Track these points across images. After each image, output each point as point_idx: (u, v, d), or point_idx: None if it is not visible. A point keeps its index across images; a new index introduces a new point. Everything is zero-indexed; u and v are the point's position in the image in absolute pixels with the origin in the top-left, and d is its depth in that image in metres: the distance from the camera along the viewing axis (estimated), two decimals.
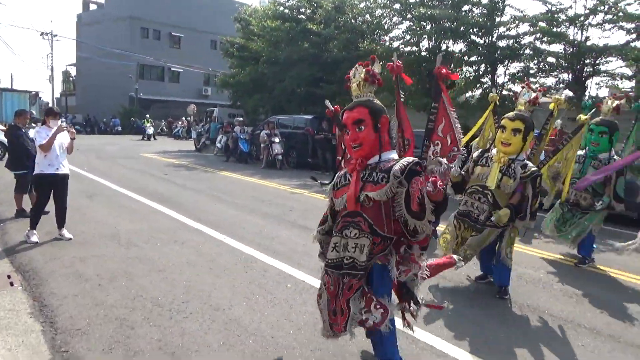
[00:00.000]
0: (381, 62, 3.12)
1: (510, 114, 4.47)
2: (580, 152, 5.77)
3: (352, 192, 2.88)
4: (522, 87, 4.67)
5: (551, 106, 4.75)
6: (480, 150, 4.82)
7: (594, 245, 6.13)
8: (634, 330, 4.16)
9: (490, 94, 5.59)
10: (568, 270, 5.82)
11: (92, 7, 46.36)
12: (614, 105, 5.73)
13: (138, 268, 5.09)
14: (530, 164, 4.41)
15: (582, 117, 4.93)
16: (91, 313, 3.93)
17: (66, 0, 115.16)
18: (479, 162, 4.62)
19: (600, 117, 5.82)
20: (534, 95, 4.50)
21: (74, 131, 6.27)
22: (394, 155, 2.99)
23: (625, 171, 5.70)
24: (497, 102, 5.37)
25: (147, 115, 30.38)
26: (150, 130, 28.79)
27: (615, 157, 5.74)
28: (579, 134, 4.85)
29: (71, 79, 52.96)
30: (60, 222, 6.11)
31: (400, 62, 3.19)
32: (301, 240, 6.58)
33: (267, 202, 9.44)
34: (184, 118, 32.09)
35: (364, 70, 3.04)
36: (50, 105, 44.75)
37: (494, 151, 4.58)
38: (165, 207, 8.29)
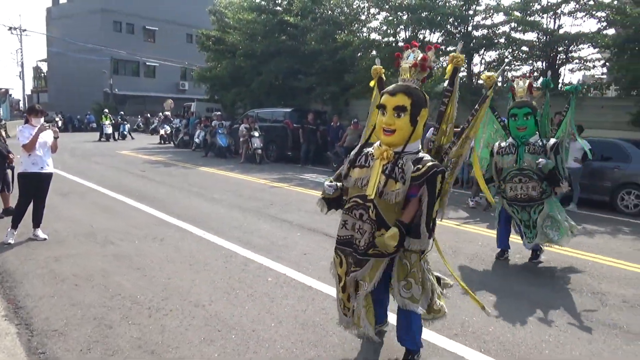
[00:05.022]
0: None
1: (391, 87, 3.07)
2: (503, 144, 5.43)
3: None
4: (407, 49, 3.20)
5: (485, 80, 3.58)
6: (359, 145, 3.33)
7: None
8: (606, 310, 4.29)
9: None
10: (563, 259, 5.96)
11: (62, 0, 45.18)
12: (527, 84, 5.41)
13: (115, 266, 5.03)
14: (427, 156, 2.97)
15: (487, 75, 3.64)
16: (68, 313, 3.87)
17: None
18: (357, 161, 3.13)
19: (517, 100, 5.40)
20: (420, 55, 3.06)
21: (57, 130, 6.16)
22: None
23: (559, 149, 5.32)
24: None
25: (106, 111, 25.64)
26: (109, 129, 24.19)
27: (544, 140, 5.30)
28: (486, 104, 3.50)
29: (42, 75, 51.65)
30: (36, 222, 5.99)
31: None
32: (281, 233, 6.58)
33: (246, 196, 9.39)
34: (122, 113, 29.36)
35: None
36: (20, 102, 43.72)
37: (376, 144, 3.15)
38: (142, 204, 8.18)
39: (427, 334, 3.65)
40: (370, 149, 3.15)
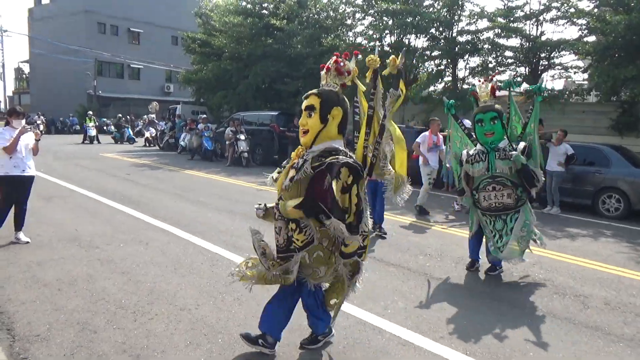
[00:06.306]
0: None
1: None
2: (471, 152, 5.22)
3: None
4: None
5: (386, 72, 3.41)
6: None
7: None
8: (588, 312, 4.37)
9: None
10: (546, 262, 6.03)
11: (45, 1, 44.55)
12: (489, 87, 5.15)
13: (100, 270, 4.97)
14: (341, 157, 2.96)
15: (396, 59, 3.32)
16: (51, 318, 3.82)
17: None
18: (282, 167, 3.34)
19: (481, 105, 5.17)
20: (333, 59, 3.14)
21: (39, 132, 6.09)
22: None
23: (529, 152, 5.07)
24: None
25: (90, 113, 24.94)
26: (93, 132, 23.75)
27: (513, 144, 5.08)
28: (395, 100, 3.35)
29: (24, 76, 50.85)
30: (18, 225, 5.90)
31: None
32: (268, 237, 6.55)
33: (233, 199, 9.36)
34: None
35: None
36: (1, 103, 42.95)
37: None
38: (128, 208, 8.10)
39: (413, 337, 3.70)
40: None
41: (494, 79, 5.32)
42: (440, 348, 3.55)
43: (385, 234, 6.75)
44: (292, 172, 3.05)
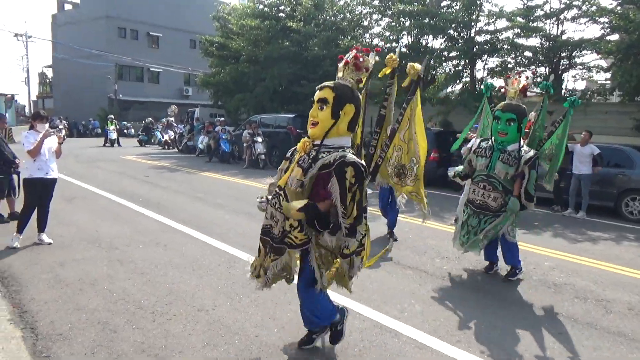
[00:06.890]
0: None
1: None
2: (484, 144, 5.12)
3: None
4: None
5: (405, 83, 3.47)
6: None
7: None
8: (611, 317, 4.28)
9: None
10: (567, 266, 5.94)
11: (67, 7, 45.53)
12: (521, 86, 4.99)
13: (120, 271, 5.05)
14: (349, 155, 2.93)
15: (415, 66, 3.32)
16: (72, 318, 3.89)
17: (40, 0, 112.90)
18: (287, 155, 3.38)
19: (506, 102, 5.04)
20: (353, 54, 3.16)
21: (62, 135, 6.22)
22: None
23: (537, 163, 5.00)
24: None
25: (111, 116, 25.54)
26: (114, 135, 24.11)
27: (525, 147, 4.97)
28: (413, 101, 3.30)
29: (48, 81, 51.97)
30: (41, 226, 6.03)
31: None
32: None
33: (250, 201, 9.40)
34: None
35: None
36: (25, 107, 43.98)
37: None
38: (147, 210, 8.21)
39: (430, 340, 3.67)
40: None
41: (528, 77, 5.11)
42: (457, 352, 3.51)
43: (396, 239, 6.64)
44: (297, 171, 3.01)
